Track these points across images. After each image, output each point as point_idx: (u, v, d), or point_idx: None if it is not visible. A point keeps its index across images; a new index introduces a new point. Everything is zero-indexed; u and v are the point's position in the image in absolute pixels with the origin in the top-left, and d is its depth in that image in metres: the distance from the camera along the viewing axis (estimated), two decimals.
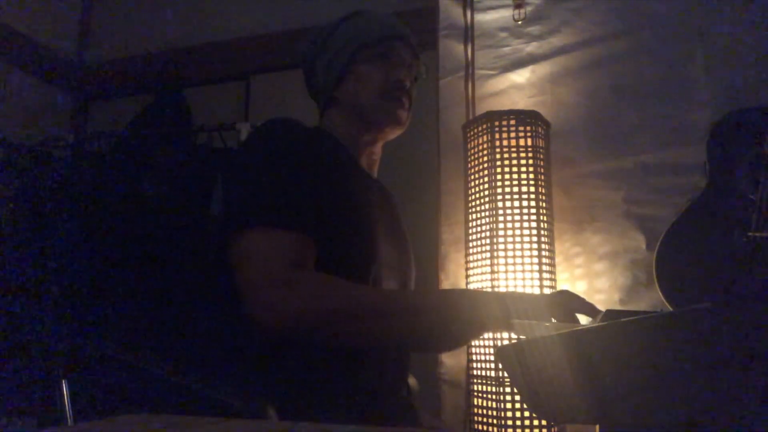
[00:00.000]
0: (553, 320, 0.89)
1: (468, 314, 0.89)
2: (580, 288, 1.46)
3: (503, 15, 1.65)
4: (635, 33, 1.54)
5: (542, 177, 1.33)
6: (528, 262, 1.27)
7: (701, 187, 1.34)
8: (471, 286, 1.34)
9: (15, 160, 1.87)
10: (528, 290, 1.26)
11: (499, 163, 1.32)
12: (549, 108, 1.53)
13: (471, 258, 1.35)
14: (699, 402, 0.42)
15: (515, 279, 1.27)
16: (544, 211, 1.31)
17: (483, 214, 1.32)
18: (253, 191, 0.89)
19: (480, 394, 1.28)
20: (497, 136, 1.33)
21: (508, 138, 1.33)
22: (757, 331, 0.40)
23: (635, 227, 1.45)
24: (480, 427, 1.27)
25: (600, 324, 0.66)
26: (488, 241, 1.29)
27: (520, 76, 1.61)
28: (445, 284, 1.54)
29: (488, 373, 1.26)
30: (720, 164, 1.32)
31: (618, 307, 1.41)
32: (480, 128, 1.36)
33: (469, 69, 1.64)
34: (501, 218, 1.29)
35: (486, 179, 1.33)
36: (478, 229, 1.33)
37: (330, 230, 0.91)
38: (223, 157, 1.83)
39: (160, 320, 1.61)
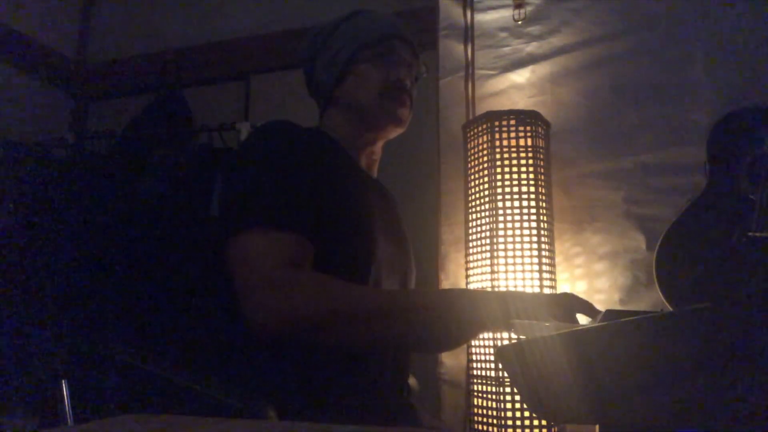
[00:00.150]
0: (553, 320, 0.89)
1: (467, 314, 0.88)
2: (580, 288, 1.46)
3: (503, 15, 1.65)
4: (635, 33, 1.54)
5: (542, 177, 1.33)
6: (528, 262, 1.27)
7: (701, 187, 1.34)
8: (471, 286, 1.34)
9: (15, 160, 1.87)
10: (528, 290, 1.26)
11: (499, 163, 1.32)
12: (549, 108, 1.53)
13: (471, 258, 1.35)
14: (699, 402, 0.42)
15: (515, 279, 1.27)
16: (544, 211, 1.31)
17: (483, 214, 1.32)
18: (250, 193, 0.89)
19: (480, 394, 1.28)
20: (497, 136, 1.33)
21: (508, 138, 1.33)
22: (757, 331, 0.40)
23: (635, 227, 1.45)
24: (480, 427, 1.27)
25: (600, 324, 0.66)
26: (488, 241, 1.29)
27: (520, 76, 1.61)
28: (445, 284, 1.54)
29: (488, 373, 1.26)
30: (720, 164, 1.32)
31: (618, 307, 1.41)
32: (480, 128, 1.36)
33: (469, 69, 1.64)
34: (501, 218, 1.29)
35: (486, 179, 1.33)
36: (478, 229, 1.33)
37: (329, 231, 0.91)
38: (223, 157, 1.83)
39: (160, 320, 1.61)
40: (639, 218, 1.45)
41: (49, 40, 2.25)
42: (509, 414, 1.21)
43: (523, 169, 1.32)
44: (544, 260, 1.28)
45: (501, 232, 1.29)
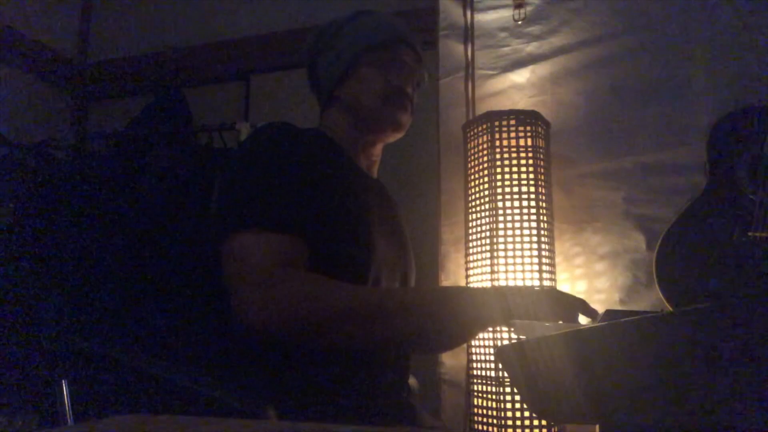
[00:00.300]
0: (554, 319, 0.89)
1: (467, 311, 0.88)
2: (580, 288, 1.46)
3: (503, 15, 1.65)
4: (635, 33, 1.54)
5: (542, 177, 1.33)
6: (528, 262, 1.27)
7: (701, 187, 1.34)
8: (471, 286, 1.34)
9: (15, 160, 1.87)
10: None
11: (499, 163, 1.32)
12: (549, 108, 1.53)
13: (471, 258, 1.35)
14: (699, 402, 0.42)
15: (515, 279, 1.27)
16: (544, 211, 1.31)
17: (483, 214, 1.32)
18: (245, 194, 0.89)
19: (480, 394, 1.28)
20: (497, 136, 1.33)
21: (508, 138, 1.33)
22: (757, 331, 0.40)
23: (635, 227, 1.45)
24: (480, 427, 1.27)
25: (600, 324, 0.66)
26: (488, 241, 1.29)
27: (520, 76, 1.61)
28: (445, 284, 1.54)
29: (488, 373, 1.26)
30: (720, 164, 1.32)
31: (618, 307, 1.41)
32: (480, 128, 1.36)
33: (469, 69, 1.64)
34: (501, 218, 1.29)
35: (486, 179, 1.33)
36: (478, 229, 1.33)
37: (328, 231, 0.91)
38: (223, 157, 1.83)
39: (160, 320, 1.61)
40: (639, 218, 1.45)
41: (49, 40, 2.25)
42: (509, 414, 1.21)
43: (523, 169, 1.32)
44: (544, 260, 1.28)
45: (501, 232, 1.29)
